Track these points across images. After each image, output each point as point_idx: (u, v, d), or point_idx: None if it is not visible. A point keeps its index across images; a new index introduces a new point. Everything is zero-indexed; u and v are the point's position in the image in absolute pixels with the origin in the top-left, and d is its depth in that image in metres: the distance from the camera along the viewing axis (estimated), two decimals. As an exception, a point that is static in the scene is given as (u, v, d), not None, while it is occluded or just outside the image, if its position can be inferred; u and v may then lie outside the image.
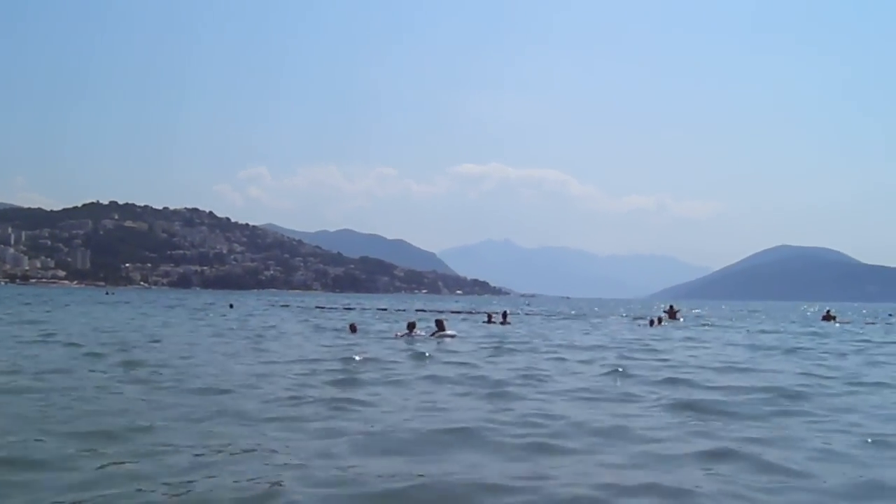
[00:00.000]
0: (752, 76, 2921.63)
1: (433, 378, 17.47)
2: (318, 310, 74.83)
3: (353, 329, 35.45)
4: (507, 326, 45.16)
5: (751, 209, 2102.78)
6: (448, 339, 30.62)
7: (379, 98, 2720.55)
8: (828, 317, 68.28)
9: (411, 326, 31.96)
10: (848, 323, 62.68)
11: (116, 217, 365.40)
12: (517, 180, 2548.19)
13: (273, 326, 40.84)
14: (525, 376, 18.01)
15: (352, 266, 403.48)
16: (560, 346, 29.14)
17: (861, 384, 17.84)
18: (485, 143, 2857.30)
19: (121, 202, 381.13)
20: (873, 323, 64.69)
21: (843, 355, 26.96)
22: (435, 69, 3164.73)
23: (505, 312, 52.13)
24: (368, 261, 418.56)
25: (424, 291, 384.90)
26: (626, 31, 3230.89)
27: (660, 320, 51.70)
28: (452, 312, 69.10)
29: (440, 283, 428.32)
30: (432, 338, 30.73)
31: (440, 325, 32.71)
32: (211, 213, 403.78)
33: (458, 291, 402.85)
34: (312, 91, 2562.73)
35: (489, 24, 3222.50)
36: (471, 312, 71.46)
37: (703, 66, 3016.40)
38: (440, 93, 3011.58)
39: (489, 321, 48.38)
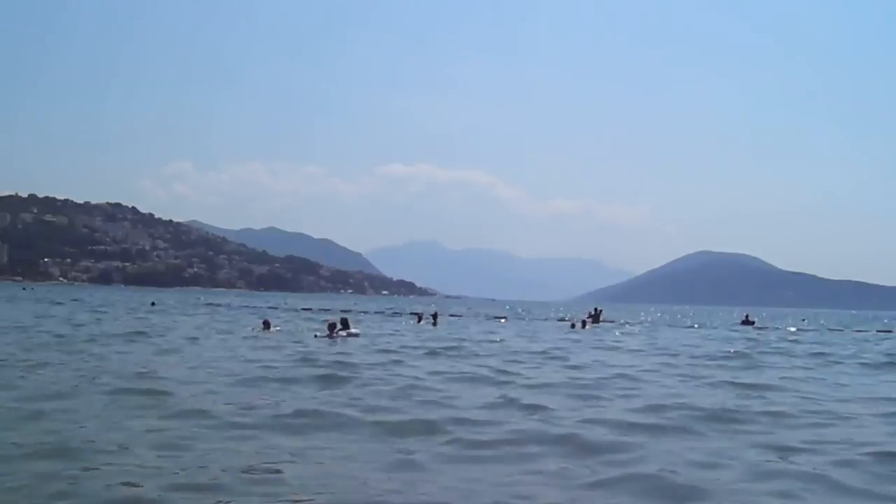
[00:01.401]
0: (676, 84, 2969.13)
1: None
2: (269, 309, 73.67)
3: (266, 326, 35.28)
4: (437, 328, 45.81)
5: (674, 215, 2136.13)
6: (351, 339, 31.19)
7: (307, 96, 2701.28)
8: (746, 321, 69.63)
9: (332, 327, 31.93)
10: (765, 329, 64.18)
11: (35, 211, 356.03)
12: (444, 182, 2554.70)
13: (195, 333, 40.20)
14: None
15: (277, 265, 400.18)
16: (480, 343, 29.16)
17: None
18: (412, 144, 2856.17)
19: (40, 195, 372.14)
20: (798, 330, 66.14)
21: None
22: (364, 69, 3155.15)
23: (435, 314, 52.56)
24: (294, 260, 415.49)
25: (350, 291, 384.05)
26: (554, 35, 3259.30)
27: (583, 323, 52.20)
28: (377, 313, 69.09)
29: (366, 284, 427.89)
30: (350, 337, 31.10)
31: (345, 323, 33.07)
32: (134, 208, 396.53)
33: (384, 292, 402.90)
34: (240, 86, 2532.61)
35: (419, 26, 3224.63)
36: (398, 313, 72.05)
37: (629, 73, 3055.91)
38: (368, 93, 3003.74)
39: (419, 321, 49.22)
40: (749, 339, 43.74)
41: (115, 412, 12.14)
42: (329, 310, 69.90)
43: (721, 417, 13.28)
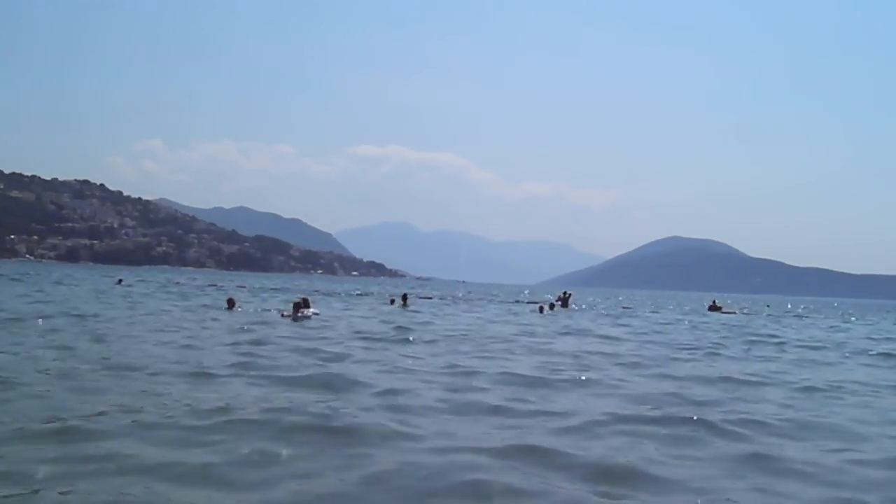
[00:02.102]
0: (651, 71, 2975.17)
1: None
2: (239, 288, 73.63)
3: (230, 304, 35.41)
4: (406, 309, 46.18)
5: (645, 200, 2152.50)
6: (311, 316, 31.61)
7: (279, 75, 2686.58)
8: (714, 307, 70.23)
9: (296, 307, 32.13)
10: (732, 314, 64.90)
11: (2, 186, 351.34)
12: (416, 163, 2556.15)
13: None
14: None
15: (247, 244, 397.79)
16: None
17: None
18: (385, 125, 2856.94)
19: (6, 171, 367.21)
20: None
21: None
22: (338, 50, 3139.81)
23: (405, 295, 52.73)
24: (264, 239, 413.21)
25: (320, 272, 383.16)
26: (529, 19, 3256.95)
27: (551, 306, 52.50)
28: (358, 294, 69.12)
29: (336, 264, 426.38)
30: (316, 316, 31.53)
31: (305, 302, 33.27)
32: (102, 185, 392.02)
33: (354, 273, 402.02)
34: (211, 65, 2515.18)
35: (393, 6, 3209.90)
36: (363, 294, 72.53)
37: (604, 59, 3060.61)
38: (341, 73, 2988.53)
39: (392, 303, 49.91)
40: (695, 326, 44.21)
41: None
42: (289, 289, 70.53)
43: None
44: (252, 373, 14.61)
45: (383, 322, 31.54)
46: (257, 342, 20.70)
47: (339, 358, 17.79)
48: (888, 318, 73.65)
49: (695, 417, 11.39)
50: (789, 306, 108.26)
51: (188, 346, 18.89)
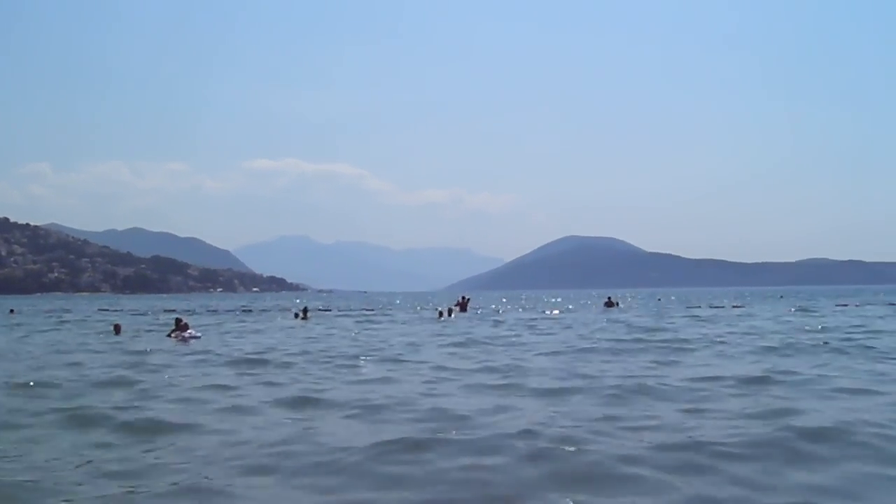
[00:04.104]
0: (542, 71, 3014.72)
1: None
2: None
3: (117, 330, 35.05)
4: (307, 321, 46.75)
5: (541, 202, 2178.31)
6: (191, 340, 30.06)
7: (168, 92, 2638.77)
8: (609, 303, 71.67)
9: (178, 323, 32.07)
10: (628, 311, 66.47)
11: None
12: (312, 175, 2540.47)
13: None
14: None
15: (143, 266, 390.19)
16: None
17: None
18: (279, 138, 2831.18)
19: None
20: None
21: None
22: (227, 64, 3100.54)
23: (305, 308, 53.24)
24: (160, 260, 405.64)
25: (220, 290, 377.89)
26: (419, 26, 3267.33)
27: (449, 311, 52.96)
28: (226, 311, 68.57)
29: (236, 281, 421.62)
30: (188, 337, 30.61)
31: (182, 325, 32.07)
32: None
33: (255, 289, 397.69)
34: (97, 83, 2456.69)
35: (283, 18, 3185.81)
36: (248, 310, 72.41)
37: (494, 62, 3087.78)
38: (232, 87, 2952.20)
39: (297, 317, 50.54)
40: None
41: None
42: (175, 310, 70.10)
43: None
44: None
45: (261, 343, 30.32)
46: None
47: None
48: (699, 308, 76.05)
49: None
50: (673, 298, 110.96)
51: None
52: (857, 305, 67.93)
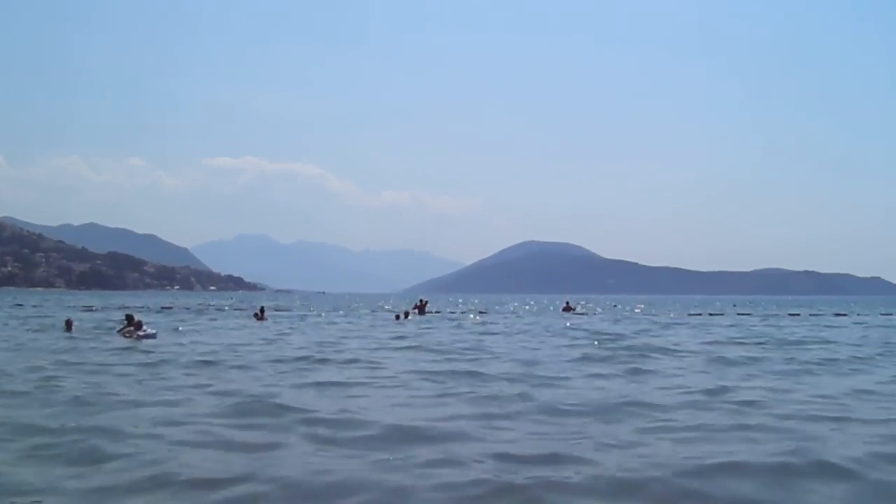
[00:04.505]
0: (505, 76, 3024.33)
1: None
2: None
3: (68, 325, 34.84)
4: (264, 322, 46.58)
5: (502, 206, 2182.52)
6: (145, 340, 29.44)
7: (128, 86, 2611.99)
8: (567, 308, 72.26)
9: (130, 320, 31.71)
10: (584, 314, 67.35)
11: None
12: (273, 174, 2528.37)
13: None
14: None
15: (98, 262, 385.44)
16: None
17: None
18: (240, 136, 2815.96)
19: None
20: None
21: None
22: (190, 59, 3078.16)
23: (262, 308, 53.13)
24: (116, 256, 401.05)
25: (177, 288, 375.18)
26: (381, 28, 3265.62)
27: (406, 314, 53.19)
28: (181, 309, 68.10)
29: (193, 280, 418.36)
30: (142, 335, 30.00)
31: (136, 322, 31.45)
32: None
33: (212, 288, 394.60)
34: (55, 76, 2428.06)
35: (249, 18, 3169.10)
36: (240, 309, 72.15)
37: (458, 67, 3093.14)
38: (194, 83, 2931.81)
39: (256, 317, 50.28)
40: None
41: None
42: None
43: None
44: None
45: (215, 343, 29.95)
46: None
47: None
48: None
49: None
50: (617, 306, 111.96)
51: None
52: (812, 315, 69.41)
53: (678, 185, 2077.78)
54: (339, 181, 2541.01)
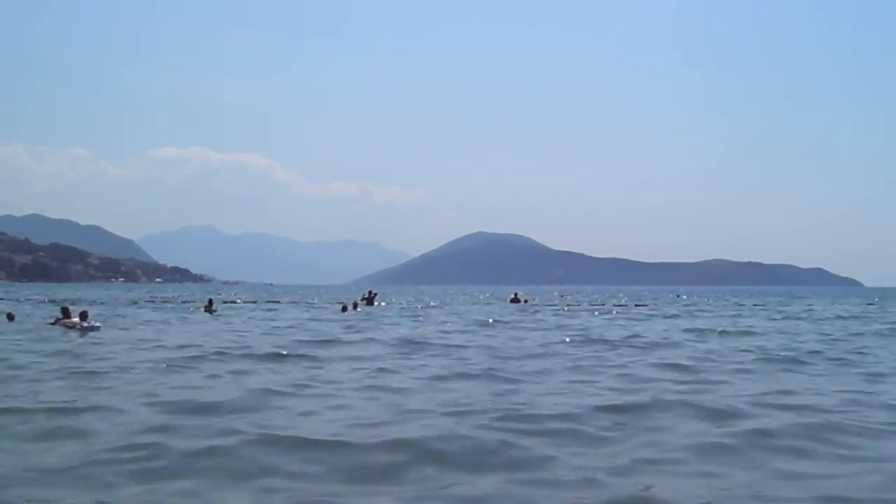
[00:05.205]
0: (451, 66, 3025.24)
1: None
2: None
3: (10, 318, 34.30)
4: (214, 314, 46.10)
5: (450, 197, 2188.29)
6: (90, 332, 28.64)
7: (71, 73, 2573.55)
8: (515, 299, 72.60)
9: (65, 312, 31.16)
10: (535, 304, 67.94)
11: None
12: (219, 165, 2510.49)
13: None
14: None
15: (41, 254, 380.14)
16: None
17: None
18: (185, 125, 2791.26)
19: None
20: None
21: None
22: (135, 46, 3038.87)
23: (211, 300, 52.50)
24: (59, 248, 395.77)
25: (122, 280, 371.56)
26: (335, 17, 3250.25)
27: (354, 305, 53.14)
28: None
29: (138, 271, 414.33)
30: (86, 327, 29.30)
31: (81, 313, 30.63)
32: None
33: (158, 279, 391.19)
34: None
35: (195, 5, 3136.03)
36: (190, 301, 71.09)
37: (407, 56, 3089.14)
38: (138, 71, 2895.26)
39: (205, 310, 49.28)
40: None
41: None
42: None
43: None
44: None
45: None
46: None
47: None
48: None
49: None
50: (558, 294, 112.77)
51: None
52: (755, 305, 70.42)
53: (625, 178, 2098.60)
54: (286, 172, 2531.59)
